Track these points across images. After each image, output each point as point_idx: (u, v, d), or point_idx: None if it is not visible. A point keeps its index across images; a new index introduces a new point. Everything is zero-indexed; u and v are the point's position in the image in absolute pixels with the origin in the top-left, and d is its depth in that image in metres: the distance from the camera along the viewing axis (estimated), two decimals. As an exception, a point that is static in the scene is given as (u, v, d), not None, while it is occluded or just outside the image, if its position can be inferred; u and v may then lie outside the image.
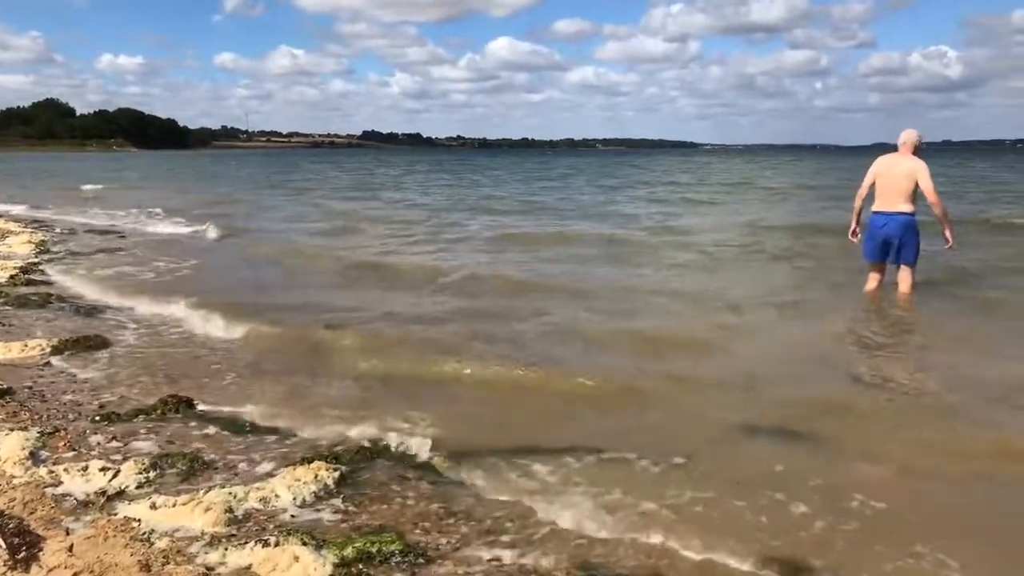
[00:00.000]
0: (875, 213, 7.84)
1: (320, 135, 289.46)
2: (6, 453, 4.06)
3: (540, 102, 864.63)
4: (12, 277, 9.75)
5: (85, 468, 3.89)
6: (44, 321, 7.46)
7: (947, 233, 7.83)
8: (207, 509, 3.43)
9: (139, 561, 2.98)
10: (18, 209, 21.37)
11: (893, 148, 8.03)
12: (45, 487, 3.72)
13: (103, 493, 3.67)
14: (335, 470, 3.88)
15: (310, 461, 3.97)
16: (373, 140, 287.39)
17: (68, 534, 3.23)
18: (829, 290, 8.72)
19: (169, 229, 16.40)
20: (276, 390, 5.33)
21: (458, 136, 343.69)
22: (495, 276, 9.85)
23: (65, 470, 3.88)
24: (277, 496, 3.64)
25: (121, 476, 3.82)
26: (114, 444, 4.34)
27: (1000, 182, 33.35)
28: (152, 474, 3.89)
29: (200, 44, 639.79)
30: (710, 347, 6.27)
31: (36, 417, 4.73)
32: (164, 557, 3.05)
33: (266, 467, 4.04)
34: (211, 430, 4.58)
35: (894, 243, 7.69)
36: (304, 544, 3.12)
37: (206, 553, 3.12)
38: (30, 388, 5.35)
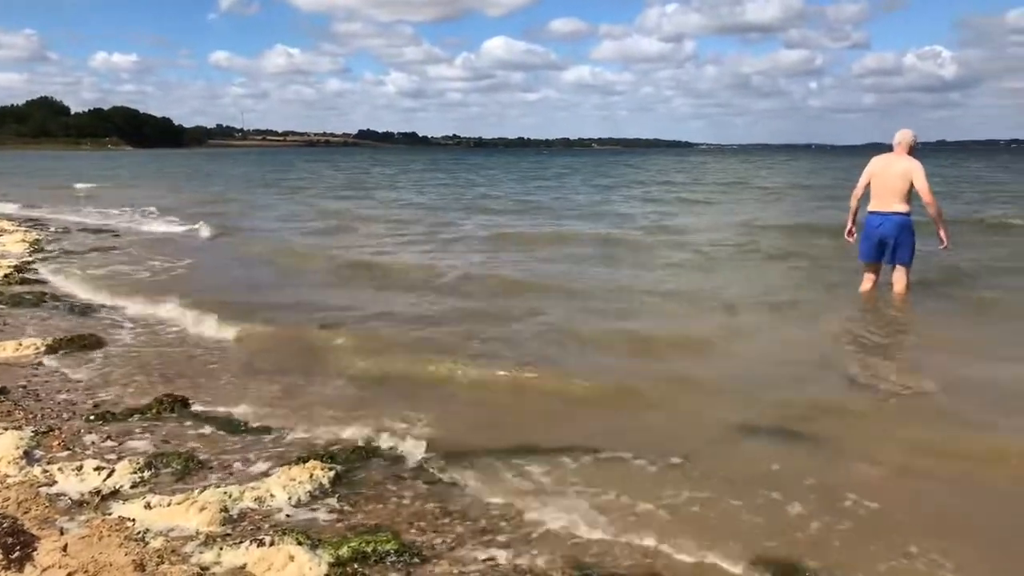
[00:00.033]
0: (871, 213, 7.85)
1: (316, 134, 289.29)
2: (0, 452, 4.05)
3: (536, 101, 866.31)
4: (6, 276, 9.72)
5: (79, 467, 3.88)
6: (38, 320, 7.44)
7: (941, 233, 7.85)
8: (202, 509, 3.42)
9: (133, 561, 2.98)
10: (11, 208, 21.29)
11: (888, 148, 8.04)
12: (39, 486, 3.71)
13: (97, 493, 3.66)
14: (330, 470, 3.88)
15: (305, 460, 3.97)
16: (369, 139, 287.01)
17: (62, 534, 3.22)
18: (824, 290, 8.73)
19: (163, 228, 16.36)
20: (271, 389, 5.32)
21: (454, 135, 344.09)
22: (490, 276, 9.84)
23: (59, 469, 3.87)
24: (272, 496, 3.63)
25: (116, 476, 3.81)
26: (109, 443, 4.33)
27: (994, 182, 33.45)
28: (147, 474, 3.88)
29: (195, 42, 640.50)
30: (706, 347, 6.28)
31: (30, 416, 4.71)
32: (159, 557, 3.05)
33: (261, 466, 4.03)
34: (206, 429, 4.57)
35: (889, 243, 7.71)
36: (299, 544, 3.11)
37: (201, 553, 3.12)
38: (24, 387, 5.33)
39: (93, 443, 4.34)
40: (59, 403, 5.02)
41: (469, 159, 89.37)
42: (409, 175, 45.43)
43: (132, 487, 3.74)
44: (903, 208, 7.66)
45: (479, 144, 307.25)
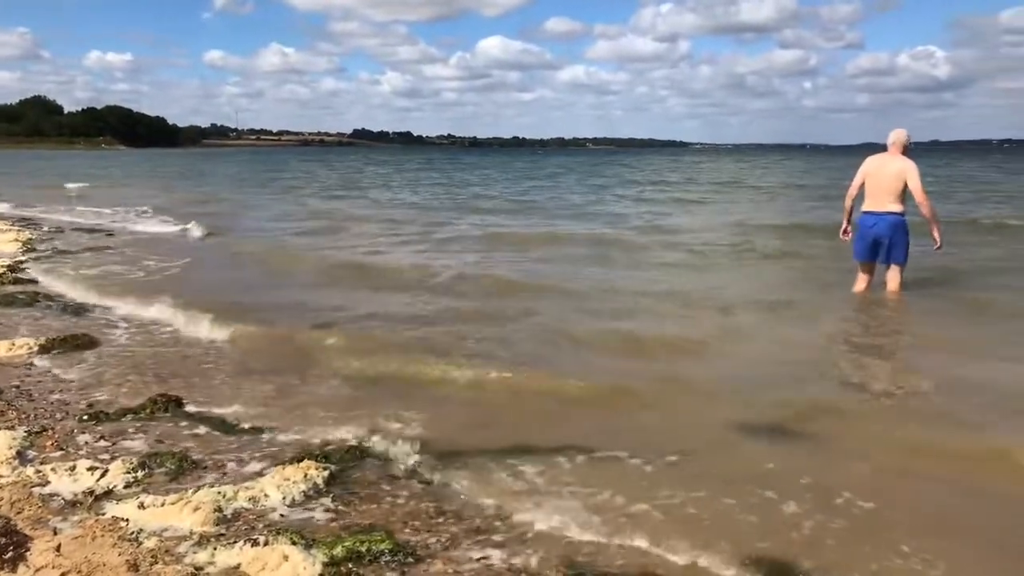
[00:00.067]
0: (864, 213, 7.87)
1: (310, 133, 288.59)
2: (-7, 453, 4.04)
3: (531, 101, 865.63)
4: (-1, 275, 9.68)
5: (73, 468, 3.87)
6: (31, 320, 7.42)
7: (935, 233, 7.87)
8: (196, 508, 3.41)
9: (127, 561, 2.97)
10: (3, 207, 21.23)
11: (882, 148, 8.06)
12: (32, 487, 3.70)
13: (91, 493, 3.65)
14: (325, 469, 3.87)
15: (299, 460, 3.96)
16: (364, 139, 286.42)
17: (56, 534, 3.21)
18: (819, 290, 8.75)
19: (157, 228, 16.32)
20: (265, 389, 5.31)
21: (449, 135, 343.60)
22: (484, 276, 9.84)
23: (53, 469, 3.86)
24: (266, 495, 3.63)
25: (109, 476, 3.80)
26: (102, 443, 4.32)
27: (987, 182, 33.53)
28: (140, 473, 3.87)
29: (189, 42, 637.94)
30: (700, 348, 6.28)
31: (23, 416, 4.70)
32: (152, 557, 3.04)
33: (255, 466, 4.02)
34: (200, 429, 4.56)
35: (884, 243, 7.73)
36: (293, 543, 3.11)
37: (195, 553, 3.11)
38: (17, 387, 5.32)
39: (86, 443, 4.33)
40: (52, 403, 5.00)
41: (464, 159, 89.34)
42: (404, 175, 45.38)
43: (126, 487, 3.73)
44: (897, 208, 7.68)
45: (474, 144, 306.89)
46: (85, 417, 4.70)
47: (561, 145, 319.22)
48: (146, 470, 3.92)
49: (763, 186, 32.73)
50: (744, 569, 3.01)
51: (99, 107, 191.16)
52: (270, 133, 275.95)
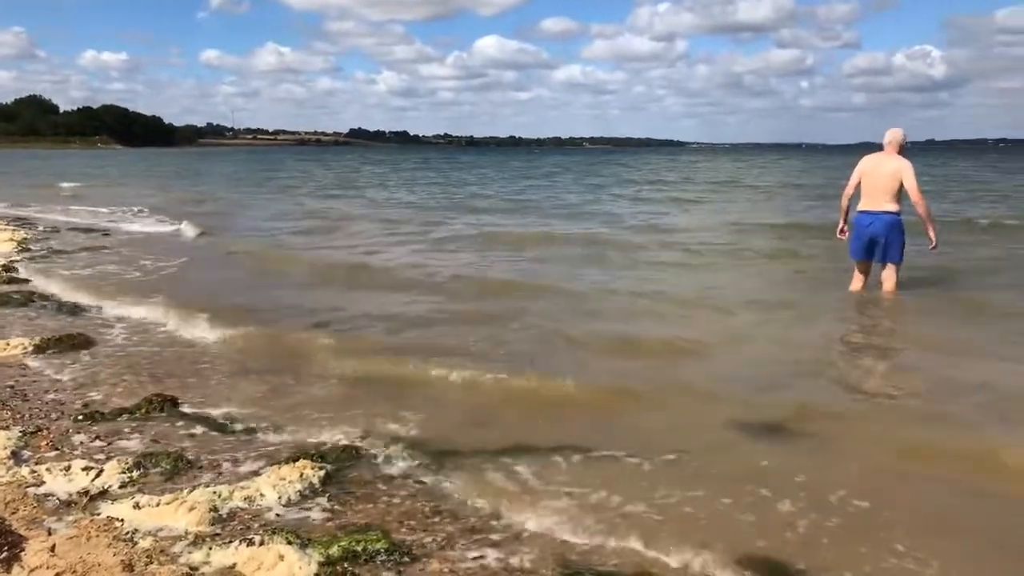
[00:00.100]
0: (861, 212, 7.89)
1: (307, 133, 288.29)
2: (-12, 453, 4.03)
3: (527, 100, 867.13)
4: (-6, 275, 9.66)
5: (68, 468, 3.86)
6: (26, 319, 7.40)
7: (930, 233, 7.88)
8: (191, 508, 3.41)
9: (122, 561, 2.96)
10: (-1, 206, 21.18)
11: (878, 147, 8.07)
12: (27, 487, 3.69)
13: (86, 493, 3.64)
14: (320, 469, 3.87)
15: (295, 460, 3.96)
16: (360, 138, 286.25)
17: (50, 534, 3.21)
18: (815, 289, 8.76)
19: (153, 228, 16.30)
20: (261, 389, 5.31)
21: (445, 134, 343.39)
22: (481, 276, 9.84)
23: (47, 470, 3.85)
24: (262, 495, 3.62)
25: (104, 476, 3.80)
26: (97, 443, 4.32)
27: (982, 181, 33.60)
28: (136, 473, 3.86)
29: (185, 41, 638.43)
30: (696, 348, 6.28)
31: (18, 416, 4.69)
32: (147, 557, 3.03)
33: (251, 466, 4.02)
34: (196, 429, 4.55)
35: (880, 242, 7.75)
36: (289, 543, 3.11)
37: (190, 552, 3.11)
38: (12, 387, 5.30)
39: (81, 443, 4.32)
40: (47, 403, 4.99)
41: (460, 158, 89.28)
42: (400, 174, 45.37)
43: (121, 487, 3.73)
44: (893, 207, 7.70)
45: (471, 143, 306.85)
46: (80, 417, 4.69)
47: (558, 144, 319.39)
48: (141, 470, 3.91)
49: (760, 185, 32.75)
50: (740, 568, 3.01)
51: (95, 106, 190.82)
52: (266, 132, 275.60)
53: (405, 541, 3.23)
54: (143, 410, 4.80)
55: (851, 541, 3.22)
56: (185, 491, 3.61)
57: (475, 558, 3.13)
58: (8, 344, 6.23)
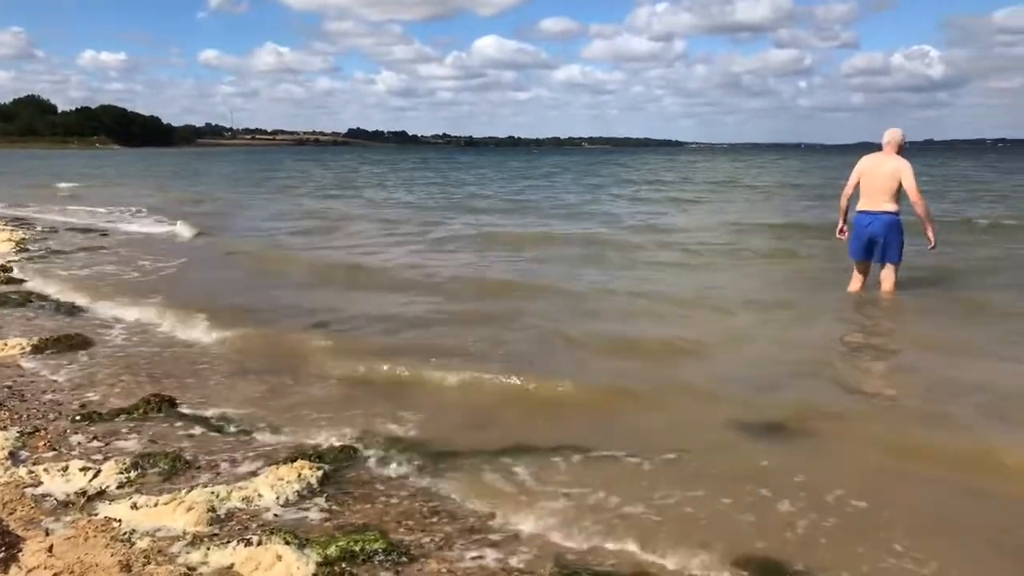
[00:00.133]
0: (860, 212, 7.89)
1: (305, 133, 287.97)
2: (-15, 453, 4.02)
3: (526, 100, 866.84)
4: (-8, 275, 9.64)
5: (65, 468, 3.85)
6: (24, 320, 7.39)
7: (929, 233, 7.88)
8: (189, 509, 3.40)
9: (120, 561, 2.96)
10: (-2, 207, 21.15)
11: (877, 147, 8.07)
12: (25, 487, 3.68)
13: (83, 493, 3.64)
14: (318, 469, 3.86)
15: (293, 460, 3.95)
16: (359, 138, 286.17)
17: (48, 534, 3.20)
18: (814, 289, 8.76)
19: (152, 228, 16.28)
20: (259, 390, 5.30)
21: (444, 134, 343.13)
22: (480, 276, 9.84)
23: (45, 470, 3.84)
24: (260, 495, 3.62)
25: (102, 476, 3.79)
26: (95, 444, 4.31)
27: (981, 181, 33.63)
28: (133, 474, 3.86)
29: (184, 41, 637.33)
30: (696, 348, 6.27)
31: (16, 417, 4.68)
32: (145, 557, 3.03)
33: (249, 466, 4.01)
34: (193, 430, 4.54)
35: (879, 242, 7.75)
36: (287, 543, 3.10)
37: (188, 553, 3.10)
38: (9, 387, 5.30)
39: (79, 443, 4.31)
40: (45, 403, 4.98)
41: (459, 158, 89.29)
42: (399, 174, 45.38)
43: (118, 487, 3.72)
44: (892, 207, 7.70)
45: (469, 143, 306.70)
46: (78, 417, 4.68)
47: (557, 144, 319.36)
48: (139, 470, 3.90)
49: (759, 185, 32.77)
50: (739, 569, 3.01)
51: (93, 106, 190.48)
52: (265, 132, 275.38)
53: (403, 541, 3.23)
54: (141, 410, 4.79)
55: (850, 541, 3.22)
56: (183, 491, 3.61)
57: (473, 558, 3.12)
58: (6, 344, 6.22)
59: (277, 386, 5.38)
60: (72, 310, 7.79)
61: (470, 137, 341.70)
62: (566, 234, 14.44)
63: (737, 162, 73.56)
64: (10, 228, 15.36)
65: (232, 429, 4.55)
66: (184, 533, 3.26)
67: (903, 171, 7.63)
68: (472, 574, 3.02)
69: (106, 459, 4.02)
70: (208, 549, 3.11)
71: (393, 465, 4.02)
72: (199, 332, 6.73)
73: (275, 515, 3.48)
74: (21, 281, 9.48)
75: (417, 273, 9.94)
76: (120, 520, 3.34)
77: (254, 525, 3.36)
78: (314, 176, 42.32)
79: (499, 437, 4.34)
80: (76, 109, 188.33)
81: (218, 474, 3.93)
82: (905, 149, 7.91)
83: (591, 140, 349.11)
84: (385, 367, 5.65)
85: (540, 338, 6.57)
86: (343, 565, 3.01)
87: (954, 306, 7.82)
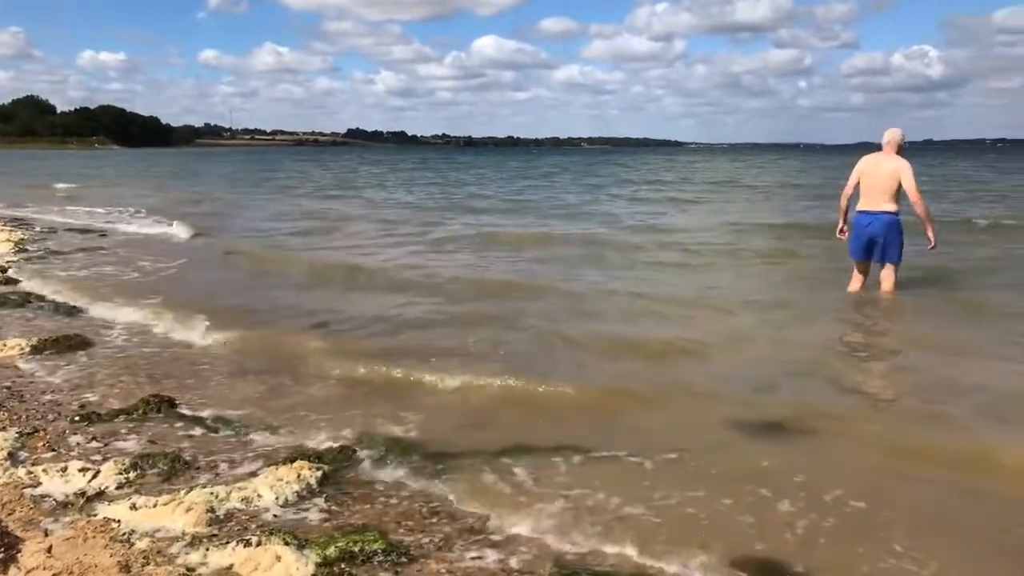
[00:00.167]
0: (860, 212, 7.89)
1: (304, 133, 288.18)
2: (-16, 454, 4.02)
3: (526, 100, 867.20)
4: (-9, 276, 9.63)
5: (64, 469, 3.85)
6: (23, 320, 7.39)
7: (929, 233, 7.88)
8: (188, 509, 3.40)
9: (119, 562, 2.96)
10: (-4, 207, 21.13)
11: (877, 147, 8.07)
12: (24, 488, 3.68)
13: (82, 494, 3.63)
14: (318, 469, 3.86)
15: (293, 461, 3.95)
16: (358, 138, 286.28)
17: (47, 535, 3.20)
18: (814, 289, 8.75)
19: (150, 229, 16.27)
20: (258, 390, 5.30)
21: (443, 134, 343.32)
22: (479, 277, 9.83)
23: (44, 471, 3.84)
24: (259, 496, 3.61)
25: (101, 477, 3.79)
26: (94, 444, 4.31)
27: (981, 181, 33.62)
28: (132, 474, 3.85)
29: (183, 41, 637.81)
30: (696, 348, 6.27)
31: (15, 417, 4.68)
32: (144, 558, 3.03)
33: (248, 467, 4.01)
34: (193, 430, 4.54)
35: (879, 242, 7.75)
36: (286, 544, 3.10)
37: (187, 553, 3.10)
38: (8, 388, 5.29)
39: (78, 444, 4.31)
40: (44, 404, 4.98)
41: (459, 158, 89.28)
42: (398, 174, 45.37)
43: (117, 488, 3.72)
44: (892, 207, 7.70)
45: (469, 143, 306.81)
46: (77, 418, 4.68)
47: (556, 144, 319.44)
48: (138, 471, 3.90)
49: (758, 185, 32.76)
50: (738, 569, 3.01)
51: (92, 107, 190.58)
52: (264, 133, 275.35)
53: (403, 542, 3.23)
54: (140, 411, 4.79)
55: (849, 541, 3.22)
56: (182, 492, 3.60)
57: (473, 559, 3.12)
58: (5, 345, 6.21)
59: (276, 387, 5.38)
60: (71, 311, 7.79)
61: (469, 137, 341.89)
62: (566, 234, 14.44)
63: (737, 162, 73.55)
64: (9, 229, 15.36)
65: (231, 430, 4.55)
66: (183, 534, 3.26)
67: (903, 171, 7.63)
68: (472, 574, 3.02)
69: (105, 460, 4.02)
70: (207, 550, 3.11)
71: (392, 466, 4.01)
72: (198, 333, 6.73)
73: (274, 516, 3.47)
74: (20, 281, 9.47)
75: (417, 274, 9.93)
76: (119, 521, 3.34)
77: (253, 526, 3.36)
78: (313, 176, 42.31)
79: (499, 438, 4.34)
80: (75, 109, 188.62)
81: (217, 475, 3.93)
82: (905, 149, 7.91)
83: (591, 140, 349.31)
84: (384, 368, 5.65)
85: (540, 339, 6.57)
86: (342, 566, 3.01)
87: (953, 306, 7.82)
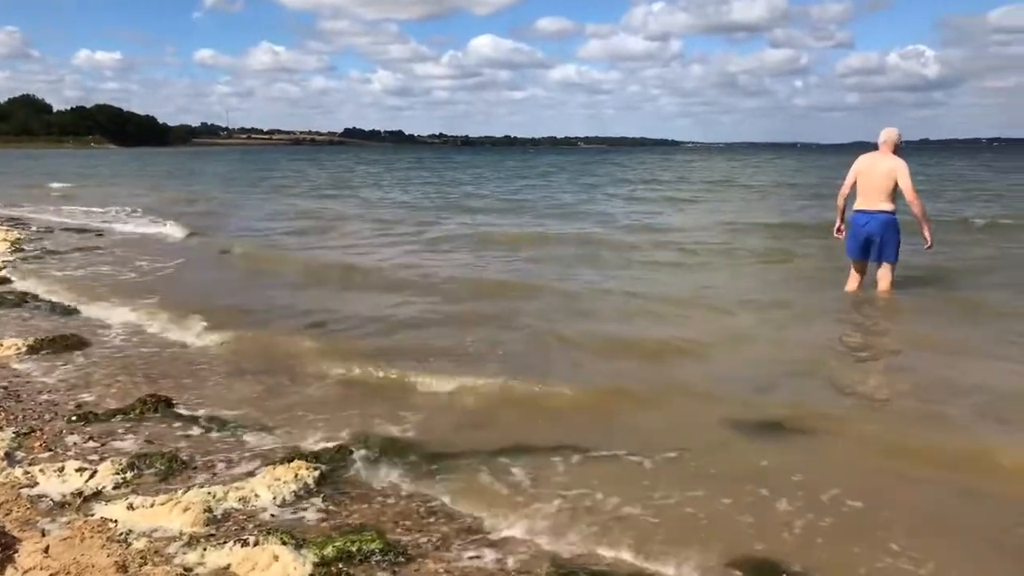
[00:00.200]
0: (856, 212, 7.90)
1: (301, 132, 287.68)
2: (-20, 454, 4.01)
3: (522, 100, 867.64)
4: (-13, 275, 9.61)
5: (61, 469, 3.84)
6: (20, 320, 7.37)
7: (925, 232, 7.90)
8: (185, 509, 3.39)
9: (116, 562, 2.95)
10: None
11: (873, 147, 8.08)
12: (20, 488, 3.67)
13: (79, 494, 3.63)
14: (315, 469, 3.85)
15: (290, 460, 3.94)
16: (355, 137, 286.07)
17: (44, 535, 3.19)
18: (810, 289, 8.76)
19: (147, 228, 16.23)
20: (256, 390, 5.29)
21: (440, 134, 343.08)
22: (476, 277, 9.83)
23: (41, 471, 3.83)
24: (257, 496, 3.61)
25: (98, 476, 3.78)
26: (91, 444, 4.30)
27: (977, 180, 33.68)
28: (130, 474, 3.85)
29: (179, 40, 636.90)
30: (693, 348, 6.27)
31: (11, 417, 4.67)
32: (141, 558, 3.02)
33: (246, 467, 4.00)
34: (190, 430, 4.53)
35: (875, 241, 7.76)
36: (284, 543, 3.09)
37: (184, 553, 3.09)
38: (5, 388, 5.28)
39: (75, 444, 4.30)
40: (40, 404, 4.97)
41: (455, 158, 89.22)
42: (394, 174, 45.33)
43: (115, 488, 3.71)
44: (888, 207, 7.71)
45: (466, 142, 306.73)
46: (74, 418, 4.67)
47: (553, 144, 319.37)
48: (135, 471, 3.89)
49: (755, 185, 32.77)
50: (736, 569, 3.01)
51: (88, 106, 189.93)
52: (260, 132, 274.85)
53: (400, 541, 3.22)
54: (137, 411, 4.78)
55: (847, 541, 3.22)
56: (179, 492, 3.60)
57: (471, 558, 3.12)
58: (1, 345, 6.20)
59: (273, 387, 5.37)
60: (67, 310, 7.77)
61: (466, 136, 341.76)
62: (562, 234, 14.43)
63: (733, 161, 73.60)
64: (5, 228, 15.31)
65: (228, 430, 4.54)
66: (180, 534, 3.26)
67: (899, 170, 7.64)
68: (469, 574, 3.02)
69: (102, 460, 4.01)
70: (205, 549, 3.10)
71: (390, 466, 4.00)
72: (195, 333, 6.71)
73: (272, 515, 3.47)
74: (16, 281, 9.44)
75: (413, 273, 9.92)
76: (116, 521, 3.33)
77: (251, 525, 3.35)
78: (309, 176, 42.26)
79: (496, 437, 4.34)
80: (71, 109, 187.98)
81: (215, 474, 3.92)
82: (901, 148, 7.92)
83: (587, 139, 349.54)
84: (381, 368, 5.63)
85: (536, 338, 6.57)
86: (340, 565, 3.01)
87: (950, 306, 7.83)
